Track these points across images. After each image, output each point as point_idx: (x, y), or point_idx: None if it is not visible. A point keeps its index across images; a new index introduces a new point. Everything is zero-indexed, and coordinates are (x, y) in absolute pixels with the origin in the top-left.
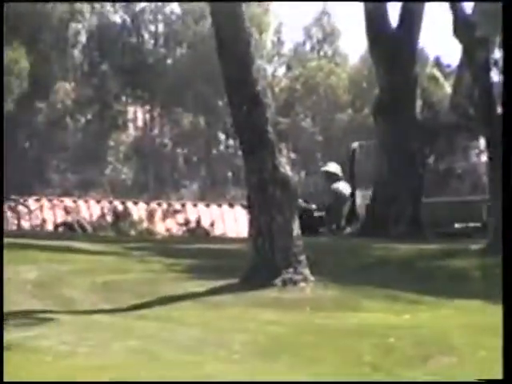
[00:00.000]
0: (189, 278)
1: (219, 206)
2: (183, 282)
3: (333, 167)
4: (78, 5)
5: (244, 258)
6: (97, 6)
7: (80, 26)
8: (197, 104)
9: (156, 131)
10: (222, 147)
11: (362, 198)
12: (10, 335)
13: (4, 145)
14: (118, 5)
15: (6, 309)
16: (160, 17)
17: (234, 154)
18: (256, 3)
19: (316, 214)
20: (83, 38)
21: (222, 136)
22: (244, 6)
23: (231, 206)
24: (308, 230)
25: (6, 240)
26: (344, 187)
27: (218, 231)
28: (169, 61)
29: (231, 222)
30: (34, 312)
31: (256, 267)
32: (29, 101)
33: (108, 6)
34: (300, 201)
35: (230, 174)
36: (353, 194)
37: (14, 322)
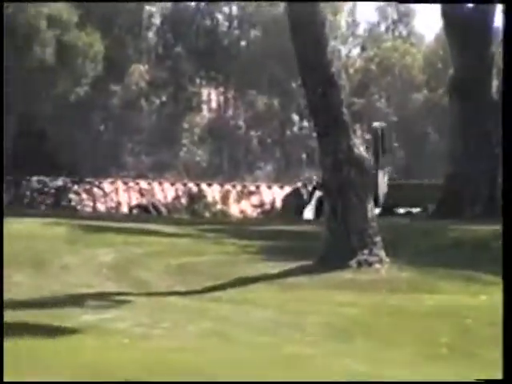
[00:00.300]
0: (263, 259)
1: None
2: (257, 263)
3: None
4: None
5: (319, 240)
6: None
7: (154, 8)
8: (271, 86)
9: (230, 113)
10: (296, 129)
11: (382, 178)
12: (87, 317)
13: (4, 143)
14: None
15: (83, 291)
16: None
17: (309, 136)
18: None
19: None
20: (157, 21)
21: (296, 118)
22: None
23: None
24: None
25: (82, 222)
26: None
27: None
28: (243, 43)
29: None
30: (110, 294)
31: (331, 249)
32: (104, 84)
33: None
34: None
35: (304, 155)
36: (376, 175)
37: (91, 304)
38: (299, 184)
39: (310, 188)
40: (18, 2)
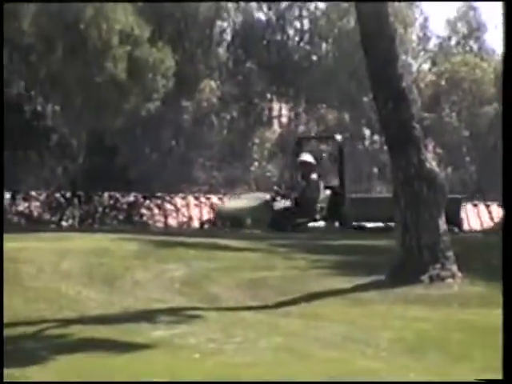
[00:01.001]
0: (334, 274)
1: None
2: (328, 278)
3: (309, 157)
4: (223, 2)
5: (390, 254)
6: (242, 3)
7: (225, 24)
8: (341, 100)
9: (301, 128)
10: (367, 143)
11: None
12: (158, 333)
13: (4, 142)
14: (262, 2)
15: (155, 306)
16: (305, 13)
17: (380, 150)
18: None
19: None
20: (228, 36)
21: (367, 132)
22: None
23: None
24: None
25: (153, 237)
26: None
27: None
28: (313, 57)
29: None
30: (181, 309)
31: (402, 263)
32: (175, 99)
33: (253, 4)
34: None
35: (375, 169)
36: (342, 186)
37: (162, 319)
38: (267, 196)
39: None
40: (19, 3)
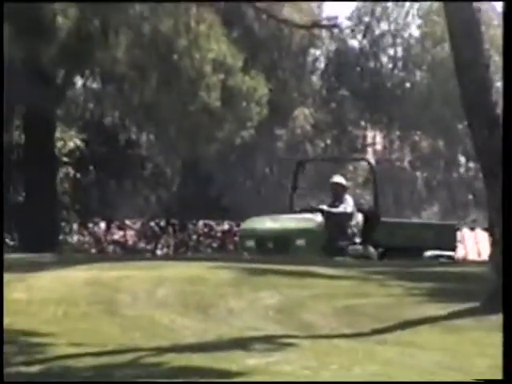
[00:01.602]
0: (429, 301)
1: (460, 229)
2: (423, 305)
3: (341, 178)
4: (316, 30)
5: (486, 282)
6: (335, 31)
7: (318, 52)
8: (436, 127)
9: (395, 155)
10: (462, 170)
11: None
12: (253, 360)
13: (3, 146)
14: (356, 30)
15: (249, 334)
16: (399, 40)
17: (475, 177)
18: (496, 24)
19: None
20: (322, 64)
21: (462, 159)
22: (483, 27)
23: (472, 229)
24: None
25: (246, 265)
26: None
27: (459, 254)
28: (407, 84)
29: (472, 244)
30: (275, 337)
31: (498, 290)
32: (268, 127)
33: (347, 30)
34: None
35: (470, 196)
36: (376, 209)
37: (257, 347)
38: (318, 218)
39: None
40: (18, 2)
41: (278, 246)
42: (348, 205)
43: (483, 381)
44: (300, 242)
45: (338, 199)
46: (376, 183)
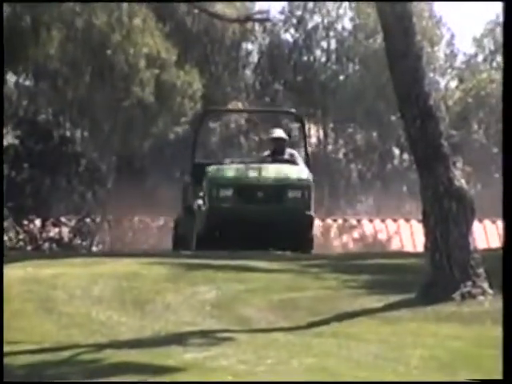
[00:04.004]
0: (366, 293)
1: (395, 220)
2: (360, 298)
3: (281, 132)
4: (249, 24)
5: (421, 273)
6: (268, 25)
7: (251, 46)
8: (370, 119)
9: (330, 147)
10: (396, 162)
11: None
12: (190, 355)
13: (3, 144)
14: (289, 23)
15: (186, 329)
16: (332, 33)
17: (409, 168)
18: (427, 15)
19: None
20: (255, 58)
21: (396, 150)
22: (415, 19)
23: (407, 220)
24: None
25: (183, 261)
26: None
27: (394, 246)
28: (341, 77)
29: (407, 236)
30: (212, 332)
31: (433, 281)
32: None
33: (279, 24)
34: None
35: (405, 188)
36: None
37: (193, 342)
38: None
39: None
40: (18, 2)
41: (267, 197)
42: (296, 157)
43: (483, 381)
44: (293, 194)
45: (278, 154)
46: (306, 138)
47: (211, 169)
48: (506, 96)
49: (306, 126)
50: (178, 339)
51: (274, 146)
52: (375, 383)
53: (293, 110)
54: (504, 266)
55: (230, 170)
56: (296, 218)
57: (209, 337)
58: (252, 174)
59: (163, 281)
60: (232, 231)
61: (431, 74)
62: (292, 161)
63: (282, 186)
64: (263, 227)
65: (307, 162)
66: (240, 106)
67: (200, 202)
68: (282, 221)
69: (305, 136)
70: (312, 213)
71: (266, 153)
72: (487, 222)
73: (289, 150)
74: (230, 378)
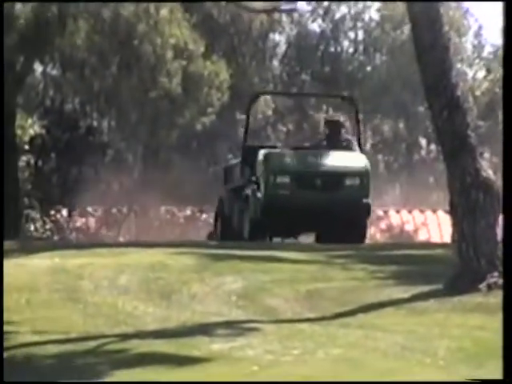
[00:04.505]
0: (393, 284)
1: (422, 211)
2: (387, 288)
3: (336, 116)
4: (276, 15)
5: (448, 264)
6: (295, 15)
7: (279, 36)
8: (397, 110)
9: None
10: (423, 152)
11: None
12: (216, 346)
13: (4, 146)
14: (316, 13)
15: (212, 319)
16: (359, 24)
17: (436, 159)
18: (454, 6)
19: None
20: (282, 49)
21: (423, 141)
22: (442, 10)
23: (434, 211)
24: None
25: (210, 251)
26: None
27: (421, 237)
28: (368, 68)
29: (434, 227)
30: (238, 322)
31: (460, 272)
32: (229, 113)
33: (307, 15)
34: None
35: (432, 179)
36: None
37: (220, 332)
38: None
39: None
40: (18, 2)
41: (326, 185)
42: (352, 143)
43: (483, 381)
44: (352, 181)
45: (334, 139)
46: (359, 124)
47: (269, 155)
48: (506, 95)
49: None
50: (204, 329)
51: (330, 130)
52: (377, 383)
53: (346, 94)
54: (504, 263)
55: (289, 157)
56: (354, 205)
57: (235, 327)
58: (310, 160)
59: (189, 271)
60: (289, 219)
61: (459, 65)
62: (349, 147)
63: (340, 174)
64: (321, 215)
65: (360, 148)
66: (267, 97)
67: (254, 187)
68: (341, 209)
69: (358, 121)
70: (370, 201)
71: (321, 137)
72: None
73: (345, 136)
74: (255, 369)
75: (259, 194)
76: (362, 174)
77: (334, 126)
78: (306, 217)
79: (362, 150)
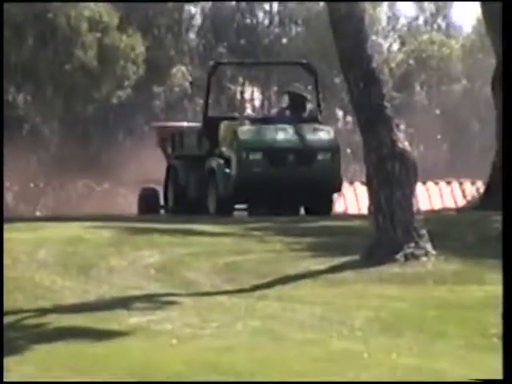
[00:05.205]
0: (310, 256)
1: None
2: (304, 260)
3: (298, 89)
4: None
5: (365, 235)
6: None
7: (194, 9)
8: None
9: (273, 110)
10: (339, 124)
11: None
12: (134, 319)
13: (3, 144)
14: None
15: (130, 293)
16: None
17: (353, 131)
18: None
19: None
20: (198, 21)
21: (339, 113)
22: None
23: (351, 183)
24: None
25: (127, 225)
26: None
27: (338, 208)
28: (284, 40)
29: (352, 198)
30: (157, 295)
31: (377, 243)
32: (146, 86)
33: None
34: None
35: (348, 150)
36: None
37: (138, 306)
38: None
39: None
40: (17, 2)
41: (299, 160)
42: (317, 114)
43: (483, 380)
44: (324, 156)
45: (298, 109)
46: (318, 93)
47: (240, 130)
48: (506, 95)
49: (250, 90)
50: (123, 303)
51: (293, 101)
52: (380, 383)
53: (305, 61)
54: (504, 263)
55: (260, 132)
56: (327, 181)
57: (153, 301)
58: (282, 135)
59: (107, 245)
60: (261, 195)
61: (373, 37)
62: (315, 118)
63: (314, 149)
64: (293, 190)
65: (319, 110)
66: (184, 69)
67: (220, 161)
68: (314, 184)
69: (317, 89)
70: (341, 174)
71: (283, 105)
72: (430, 184)
73: (309, 106)
74: (174, 342)
75: (229, 170)
76: (334, 148)
77: (298, 98)
78: (278, 193)
79: (320, 113)
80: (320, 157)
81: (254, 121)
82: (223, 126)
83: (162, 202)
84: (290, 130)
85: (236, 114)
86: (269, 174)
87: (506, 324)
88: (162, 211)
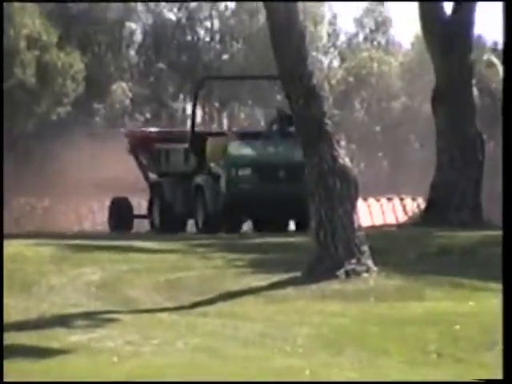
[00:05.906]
0: (252, 272)
1: None
2: (246, 277)
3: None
4: (132, 4)
5: (307, 251)
6: (151, 4)
7: (134, 26)
8: (254, 98)
9: (214, 126)
10: None
11: None
12: (75, 337)
13: (3, 145)
14: (172, 2)
15: (71, 310)
16: (215, 13)
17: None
18: None
19: None
20: (138, 38)
21: None
22: None
23: None
24: None
25: (69, 242)
26: None
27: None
28: (225, 56)
29: None
30: (98, 313)
31: (319, 259)
32: (86, 102)
33: (162, 4)
34: None
35: None
36: None
37: (79, 323)
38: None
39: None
40: (17, 2)
41: (288, 176)
42: None
43: (483, 381)
44: None
45: (285, 126)
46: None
47: (229, 146)
48: (506, 95)
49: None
50: (63, 321)
51: (283, 119)
52: (379, 383)
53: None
54: (504, 263)
55: (249, 148)
56: None
57: (94, 318)
58: (271, 152)
59: (48, 262)
60: (250, 211)
61: (314, 53)
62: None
63: (302, 165)
64: (283, 206)
65: None
66: (124, 85)
67: (208, 178)
68: (303, 198)
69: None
70: None
71: (270, 121)
72: (371, 201)
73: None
74: (115, 360)
75: (218, 187)
76: None
77: (286, 115)
78: (267, 209)
79: None
80: None
81: (242, 136)
82: (210, 141)
83: (134, 211)
84: (278, 145)
85: (224, 130)
86: (258, 190)
87: (506, 324)
88: (145, 221)
